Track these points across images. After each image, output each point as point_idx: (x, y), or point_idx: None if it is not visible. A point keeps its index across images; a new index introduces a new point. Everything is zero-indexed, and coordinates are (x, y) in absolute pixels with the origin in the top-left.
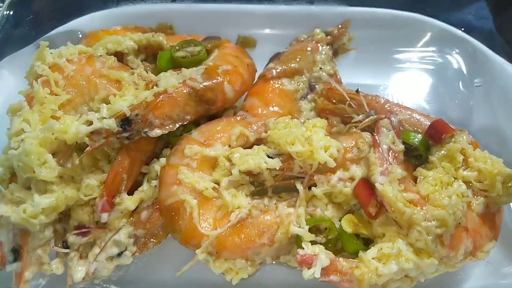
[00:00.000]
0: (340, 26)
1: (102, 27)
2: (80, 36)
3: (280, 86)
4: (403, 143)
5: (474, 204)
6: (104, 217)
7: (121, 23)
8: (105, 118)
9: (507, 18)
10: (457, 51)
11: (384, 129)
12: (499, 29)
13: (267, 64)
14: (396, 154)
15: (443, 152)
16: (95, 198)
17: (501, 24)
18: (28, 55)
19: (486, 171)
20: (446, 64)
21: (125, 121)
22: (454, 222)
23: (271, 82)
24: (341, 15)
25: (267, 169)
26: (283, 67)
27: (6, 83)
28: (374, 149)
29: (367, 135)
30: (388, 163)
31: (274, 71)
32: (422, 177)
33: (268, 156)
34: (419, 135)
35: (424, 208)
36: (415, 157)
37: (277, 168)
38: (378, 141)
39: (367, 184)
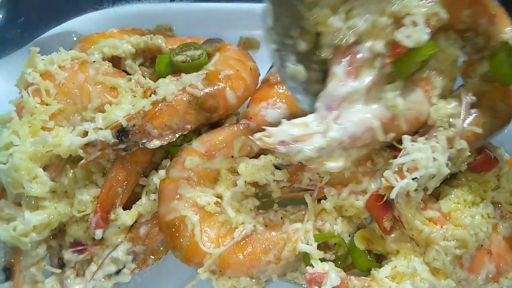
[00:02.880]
0: None
1: (97, 29)
2: (75, 38)
3: (285, 91)
4: None
5: (501, 227)
6: (99, 233)
7: (117, 24)
8: (100, 129)
9: None
10: None
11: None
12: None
13: (271, 67)
14: None
15: (476, 174)
16: (89, 214)
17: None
18: (19, 59)
19: None
20: None
21: (121, 132)
22: (476, 244)
23: (276, 87)
24: None
25: (274, 180)
26: None
27: None
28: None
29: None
30: None
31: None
32: (445, 193)
33: (276, 167)
34: None
35: (444, 226)
36: None
37: (285, 180)
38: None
39: (381, 197)
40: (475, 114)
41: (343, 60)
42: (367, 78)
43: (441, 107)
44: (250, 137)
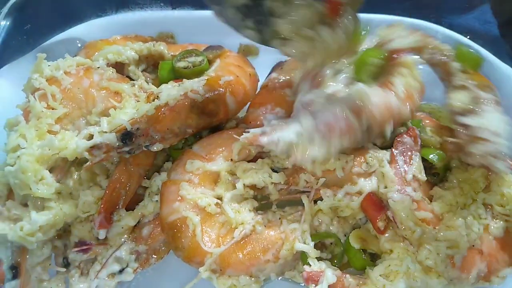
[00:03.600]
0: None
1: (101, 35)
2: (79, 45)
3: (284, 97)
4: (422, 159)
5: (492, 227)
6: (102, 233)
7: (120, 31)
8: (105, 132)
9: None
10: None
11: (405, 146)
12: (505, 35)
13: (269, 74)
14: (418, 177)
15: (466, 175)
16: (94, 214)
17: (507, 31)
18: (26, 64)
19: (510, 196)
20: None
21: (126, 136)
22: (467, 244)
23: (274, 93)
24: None
25: (272, 183)
26: (286, 77)
27: (4, 94)
28: (391, 165)
29: (376, 150)
30: (406, 182)
31: (276, 81)
32: (438, 195)
33: (273, 170)
34: (440, 155)
35: (436, 227)
36: (432, 175)
37: (282, 182)
38: (396, 158)
39: (375, 197)
40: None
41: (308, 78)
42: (330, 87)
43: (457, 96)
44: (236, 136)
